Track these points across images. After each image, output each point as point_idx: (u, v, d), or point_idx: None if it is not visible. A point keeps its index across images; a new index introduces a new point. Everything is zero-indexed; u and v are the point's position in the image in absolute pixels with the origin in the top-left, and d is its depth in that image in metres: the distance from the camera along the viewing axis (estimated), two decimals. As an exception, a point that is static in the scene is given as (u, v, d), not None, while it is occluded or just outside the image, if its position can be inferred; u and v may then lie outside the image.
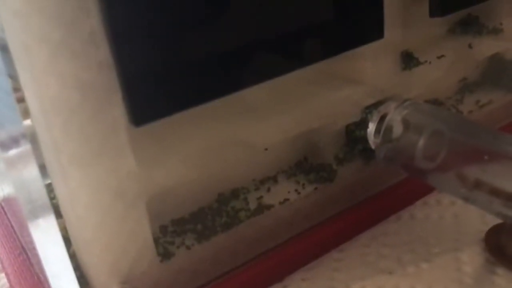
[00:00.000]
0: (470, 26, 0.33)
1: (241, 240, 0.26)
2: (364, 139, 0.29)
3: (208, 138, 0.25)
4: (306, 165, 0.30)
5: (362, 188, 0.30)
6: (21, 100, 0.20)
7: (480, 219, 0.28)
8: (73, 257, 0.26)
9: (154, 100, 0.20)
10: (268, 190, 0.28)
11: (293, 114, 0.27)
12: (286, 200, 0.27)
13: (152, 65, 0.20)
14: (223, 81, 0.22)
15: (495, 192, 0.24)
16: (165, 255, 0.24)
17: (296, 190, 0.28)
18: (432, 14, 0.27)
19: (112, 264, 0.23)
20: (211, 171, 0.26)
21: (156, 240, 0.25)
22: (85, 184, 0.21)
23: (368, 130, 0.29)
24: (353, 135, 0.29)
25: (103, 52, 0.19)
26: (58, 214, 0.24)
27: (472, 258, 0.26)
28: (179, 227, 0.26)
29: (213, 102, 0.25)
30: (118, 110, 0.20)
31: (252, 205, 0.27)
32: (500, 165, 0.25)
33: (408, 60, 0.29)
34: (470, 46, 0.32)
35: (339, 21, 0.24)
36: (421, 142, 0.26)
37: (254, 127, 0.26)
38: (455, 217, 0.29)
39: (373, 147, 0.29)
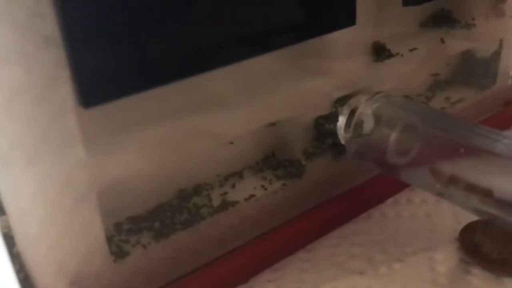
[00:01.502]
0: (443, 21, 0.33)
1: (203, 239, 0.24)
2: (334, 133, 0.27)
3: (169, 127, 0.23)
4: (274, 160, 0.28)
5: (332, 185, 0.28)
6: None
7: (453, 218, 0.27)
8: (17, 257, 0.24)
9: (106, 80, 0.18)
10: (233, 186, 0.27)
11: (260, 105, 0.25)
12: (251, 196, 0.26)
13: (104, 41, 0.18)
14: (181, 64, 0.21)
15: (471, 188, 0.23)
16: (118, 254, 0.22)
17: (262, 186, 0.26)
18: (405, 3, 0.26)
19: (59, 264, 0.20)
20: (171, 164, 0.24)
21: (109, 239, 0.23)
22: (29, 174, 0.19)
23: (338, 124, 0.27)
24: (323, 129, 0.28)
25: (50, 25, 0.17)
26: (1, 210, 0.22)
27: (446, 258, 0.25)
28: (135, 225, 0.24)
29: (176, 89, 0.23)
30: (66, 90, 0.18)
31: (216, 202, 0.25)
32: (476, 159, 0.24)
33: (380, 51, 0.28)
34: (442, 40, 0.32)
35: (308, 4, 0.23)
36: (393, 136, 0.25)
37: (219, 118, 0.25)
38: (427, 216, 0.28)
39: (343, 142, 0.27)
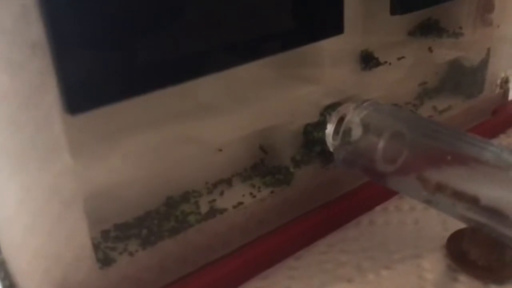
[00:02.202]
0: (430, 30, 0.33)
1: (190, 246, 0.24)
2: (323, 141, 0.27)
3: (157, 134, 0.23)
4: (263, 167, 0.28)
5: (320, 192, 0.28)
6: None
7: (441, 225, 0.27)
8: (2, 264, 0.24)
9: (92, 87, 0.18)
10: (222, 193, 0.26)
11: (249, 112, 0.25)
12: (240, 203, 0.26)
13: (91, 48, 0.18)
14: (168, 71, 0.20)
15: (458, 195, 0.23)
16: (105, 261, 0.22)
17: (251, 194, 0.26)
18: (393, 12, 0.26)
19: (44, 271, 0.20)
20: (159, 171, 0.24)
21: (96, 246, 0.22)
22: (15, 180, 0.19)
23: (326, 131, 0.27)
24: (311, 137, 0.28)
25: (36, 30, 0.17)
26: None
27: (433, 265, 0.25)
28: (122, 232, 0.24)
29: (165, 96, 0.23)
30: (52, 96, 0.18)
31: (204, 209, 0.25)
32: (463, 167, 0.24)
33: (368, 60, 0.28)
34: (430, 49, 0.32)
35: (296, 13, 0.23)
36: (381, 144, 0.25)
37: (207, 125, 0.24)
38: (415, 223, 0.28)
39: (331, 149, 0.27)
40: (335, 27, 0.24)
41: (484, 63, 0.35)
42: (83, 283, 0.21)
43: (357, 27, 0.26)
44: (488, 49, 0.35)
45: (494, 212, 0.22)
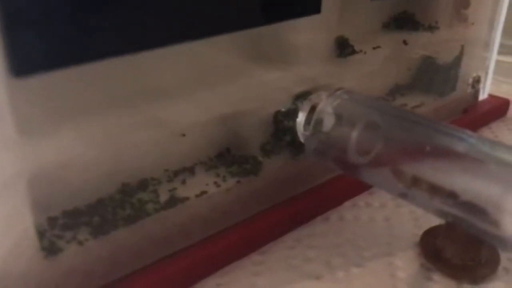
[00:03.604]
0: (405, 23, 0.32)
1: (147, 237, 0.22)
2: (293, 130, 0.26)
3: (114, 114, 0.21)
4: (229, 156, 0.26)
5: (289, 184, 0.27)
6: None
7: (413, 223, 0.26)
8: None
9: (39, 48, 0.16)
10: (183, 182, 0.24)
11: (216, 94, 0.24)
12: (203, 193, 0.24)
13: (39, 7, 0.16)
14: (121, 38, 0.19)
15: (434, 189, 0.22)
16: (50, 250, 0.20)
17: (215, 183, 0.24)
18: (373, -4, 0.25)
19: (-21, 259, 0.18)
20: (115, 154, 0.22)
21: (42, 234, 0.20)
22: None
23: (298, 120, 0.26)
24: (282, 125, 0.26)
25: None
26: None
27: (406, 263, 0.24)
28: (71, 220, 0.21)
29: (124, 74, 0.21)
30: (-6, 56, 0.16)
31: (163, 198, 0.23)
32: (440, 160, 0.23)
33: (343, 46, 0.27)
34: (405, 42, 0.31)
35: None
36: (354, 135, 0.24)
37: (170, 107, 0.23)
38: (386, 220, 0.27)
39: (302, 139, 0.26)
40: (312, 5, 0.23)
41: (457, 61, 0.35)
42: (25, 273, 0.19)
43: (335, 9, 0.25)
44: (462, 47, 0.34)
45: (472, 206, 0.21)
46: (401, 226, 0.26)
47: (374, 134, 0.24)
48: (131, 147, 0.22)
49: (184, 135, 0.24)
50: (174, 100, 0.23)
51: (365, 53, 0.28)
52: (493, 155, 0.21)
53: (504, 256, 0.24)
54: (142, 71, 0.22)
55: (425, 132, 0.23)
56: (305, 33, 0.25)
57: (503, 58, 0.47)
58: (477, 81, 0.37)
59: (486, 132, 0.37)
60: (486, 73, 0.38)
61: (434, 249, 0.24)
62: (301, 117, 0.26)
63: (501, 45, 0.46)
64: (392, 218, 0.27)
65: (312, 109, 0.25)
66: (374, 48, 0.28)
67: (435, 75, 0.35)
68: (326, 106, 0.25)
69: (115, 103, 0.21)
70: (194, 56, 0.23)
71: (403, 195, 0.23)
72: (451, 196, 0.21)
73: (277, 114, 0.26)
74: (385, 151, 0.24)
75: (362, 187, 0.29)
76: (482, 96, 0.39)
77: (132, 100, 0.22)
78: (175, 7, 0.20)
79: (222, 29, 0.21)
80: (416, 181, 0.22)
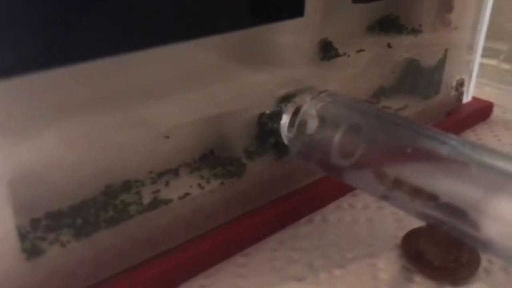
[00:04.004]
0: (390, 26, 0.32)
1: (130, 239, 0.22)
2: (278, 132, 0.26)
3: (98, 115, 0.21)
4: (213, 158, 0.26)
5: (273, 186, 0.27)
6: None
7: (395, 224, 0.27)
8: None
9: (22, 47, 0.16)
10: (167, 184, 0.24)
11: (200, 96, 0.24)
12: (186, 195, 0.24)
13: (16, 8, 0.16)
14: (100, 40, 0.19)
15: (416, 191, 0.22)
16: (32, 252, 0.20)
17: (199, 185, 0.24)
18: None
19: (-41, 261, 0.18)
20: (98, 156, 0.22)
21: (24, 236, 0.20)
22: None
23: (282, 122, 0.26)
24: (266, 128, 0.26)
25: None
26: None
27: (388, 265, 0.24)
28: (54, 221, 0.21)
29: (108, 74, 0.21)
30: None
31: (146, 199, 0.23)
32: (422, 162, 0.23)
33: (327, 49, 0.27)
34: (389, 45, 0.31)
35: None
36: (337, 137, 0.24)
37: (154, 108, 0.23)
38: (369, 221, 0.27)
39: (286, 141, 0.26)
40: (296, 8, 0.23)
41: (441, 64, 0.35)
42: (6, 275, 0.19)
43: (318, 12, 0.25)
44: (446, 51, 0.35)
45: (453, 209, 0.21)
46: (384, 227, 0.26)
47: (357, 137, 0.24)
48: (114, 149, 0.22)
49: (168, 137, 0.25)
50: (158, 102, 0.23)
51: (348, 56, 0.28)
52: (474, 158, 0.22)
53: (484, 258, 0.24)
54: (126, 72, 0.22)
55: (408, 134, 0.23)
56: (289, 35, 0.25)
57: (488, 61, 0.47)
58: (460, 84, 0.37)
59: (469, 134, 0.37)
60: (470, 76, 0.38)
61: (415, 250, 0.24)
62: (285, 119, 0.26)
63: (486, 48, 0.46)
64: (375, 219, 0.27)
65: (296, 111, 0.26)
66: (357, 51, 0.29)
67: (419, 78, 0.35)
68: (310, 109, 0.25)
69: (98, 104, 0.21)
70: (178, 57, 0.23)
71: (385, 197, 0.23)
72: (432, 198, 0.21)
73: (262, 116, 0.26)
74: (368, 153, 0.24)
75: (346, 189, 0.29)
76: (466, 99, 0.39)
77: (116, 101, 0.22)
78: (159, 9, 0.20)
79: (205, 31, 0.21)
80: (397, 183, 0.22)
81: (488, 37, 0.43)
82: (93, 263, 0.21)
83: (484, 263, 0.24)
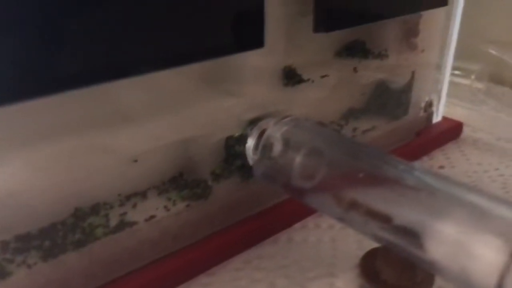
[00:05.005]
0: (357, 51, 0.33)
1: (97, 260, 0.23)
2: (244, 155, 0.27)
3: (67, 141, 0.22)
4: (181, 181, 0.27)
5: (240, 207, 0.28)
6: None
7: (357, 244, 0.27)
8: None
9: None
10: (134, 206, 0.25)
11: (168, 122, 0.25)
12: (152, 217, 0.25)
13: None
14: (74, 73, 0.20)
15: (371, 214, 0.23)
16: (0, 274, 0.21)
17: (165, 207, 0.25)
18: (316, 29, 0.26)
19: None
20: (68, 180, 0.23)
21: (-8, 258, 0.21)
22: None
23: (247, 145, 0.27)
24: (233, 151, 0.27)
25: None
26: None
27: (346, 284, 0.25)
28: (23, 244, 0.22)
29: (75, 101, 0.22)
30: None
31: (113, 222, 0.24)
32: (379, 187, 0.24)
33: (291, 76, 0.28)
34: (355, 69, 0.32)
35: (216, 23, 0.23)
36: (298, 160, 0.25)
37: (123, 134, 0.24)
38: (332, 241, 0.28)
39: (251, 164, 0.27)
40: (256, 40, 0.24)
41: (409, 86, 0.36)
42: (-28, 297, 0.20)
43: (280, 42, 0.26)
44: (413, 73, 0.36)
45: (405, 232, 0.22)
46: (346, 247, 0.27)
47: (318, 160, 0.25)
48: (84, 173, 0.23)
49: (136, 160, 0.26)
50: (127, 127, 0.24)
51: (313, 81, 0.29)
52: (424, 183, 0.23)
53: (438, 277, 0.25)
54: (94, 99, 0.23)
55: (368, 160, 0.25)
56: (253, 63, 0.26)
57: (461, 80, 0.49)
58: (429, 105, 0.38)
59: (438, 154, 0.38)
60: (439, 97, 0.40)
61: (372, 270, 0.25)
62: (250, 143, 0.27)
63: (459, 68, 0.48)
64: (338, 239, 0.28)
65: (261, 135, 0.27)
66: (322, 77, 0.30)
67: (388, 100, 0.36)
68: (274, 132, 0.26)
69: (68, 130, 0.22)
70: (146, 84, 0.24)
71: (342, 219, 0.24)
72: (386, 220, 0.22)
73: (228, 140, 0.27)
74: (328, 176, 0.25)
75: (312, 209, 0.30)
76: (436, 118, 0.40)
77: (85, 126, 0.23)
78: (127, 42, 0.21)
79: (173, 63, 0.22)
80: (353, 205, 0.23)
81: (461, 57, 0.44)
82: (60, 284, 0.22)
83: (438, 281, 0.25)
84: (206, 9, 0.22)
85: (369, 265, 0.25)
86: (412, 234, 0.22)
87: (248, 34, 0.24)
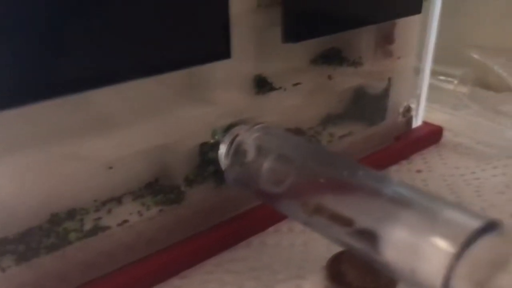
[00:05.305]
0: (332, 59, 0.34)
1: (70, 264, 0.24)
2: (217, 161, 0.28)
3: (42, 149, 0.23)
4: (156, 186, 0.28)
5: (213, 212, 0.29)
6: None
7: (326, 247, 0.28)
8: None
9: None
10: (109, 211, 0.26)
11: (142, 128, 0.25)
12: (125, 221, 0.26)
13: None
14: (51, 83, 0.21)
15: (334, 218, 0.24)
16: (-27, 278, 0.22)
17: (139, 212, 0.26)
18: (285, 40, 0.27)
19: None
20: (44, 187, 0.24)
21: (-32, 262, 0.22)
22: None
23: (219, 152, 0.28)
24: (206, 157, 0.28)
25: None
26: None
27: (313, 286, 0.26)
28: (-1, 248, 0.23)
29: (52, 110, 0.23)
30: None
31: (87, 226, 0.25)
32: (340, 191, 0.25)
33: (262, 85, 0.29)
34: (329, 77, 0.33)
35: (182, 34, 0.24)
36: (266, 166, 0.26)
37: (97, 141, 0.25)
38: (304, 244, 0.29)
39: (224, 169, 0.28)
40: (222, 51, 0.25)
41: (386, 92, 0.37)
42: None
43: (248, 52, 0.27)
44: (389, 79, 0.37)
45: (366, 235, 0.23)
46: (316, 250, 0.28)
47: (285, 167, 0.26)
48: (60, 180, 0.24)
49: (111, 167, 0.26)
50: (102, 134, 0.25)
51: (285, 89, 0.30)
52: (385, 188, 0.24)
53: (403, 279, 0.26)
54: (69, 107, 0.24)
55: (332, 166, 0.25)
56: (224, 72, 0.27)
57: (445, 85, 0.49)
58: (407, 110, 0.39)
59: (417, 158, 0.39)
60: (419, 102, 0.40)
61: (338, 273, 0.26)
62: (222, 149, 0.28)
63: (441, 73, 0.49)
64: (310, 243, 0.29)
65: (232, 141, 0.28)
66: (294, 85, 0.31)
67: (365, 105, 0.37)
68: (245, 139, 0.27)
69: (44, 138, 0.23)
70: (121, 92, 0.25)
71: (307, 223, 0.25)
72: (348, 224, 0.23)
73: (202, 146, 0.28)
74: (296, 182, 0.26)
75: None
76: (416, 123, 0.41)
77: (60, 134, 0.24)
78: (95, 53, 0.22)
79: (138, 73, 0.23)
80: (318, 210, 0.24)
81: (444, 62, 0.45)
82: (33, 286, 0.23)
83: (401, 284, 0.25)
84: (174, 21, 0.23)
85: (334, 267, 0.26)
86: (371, 238, 0.22)
87: (214, 46, 0.25)
